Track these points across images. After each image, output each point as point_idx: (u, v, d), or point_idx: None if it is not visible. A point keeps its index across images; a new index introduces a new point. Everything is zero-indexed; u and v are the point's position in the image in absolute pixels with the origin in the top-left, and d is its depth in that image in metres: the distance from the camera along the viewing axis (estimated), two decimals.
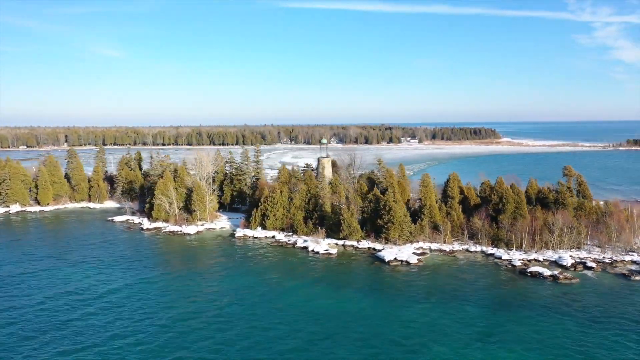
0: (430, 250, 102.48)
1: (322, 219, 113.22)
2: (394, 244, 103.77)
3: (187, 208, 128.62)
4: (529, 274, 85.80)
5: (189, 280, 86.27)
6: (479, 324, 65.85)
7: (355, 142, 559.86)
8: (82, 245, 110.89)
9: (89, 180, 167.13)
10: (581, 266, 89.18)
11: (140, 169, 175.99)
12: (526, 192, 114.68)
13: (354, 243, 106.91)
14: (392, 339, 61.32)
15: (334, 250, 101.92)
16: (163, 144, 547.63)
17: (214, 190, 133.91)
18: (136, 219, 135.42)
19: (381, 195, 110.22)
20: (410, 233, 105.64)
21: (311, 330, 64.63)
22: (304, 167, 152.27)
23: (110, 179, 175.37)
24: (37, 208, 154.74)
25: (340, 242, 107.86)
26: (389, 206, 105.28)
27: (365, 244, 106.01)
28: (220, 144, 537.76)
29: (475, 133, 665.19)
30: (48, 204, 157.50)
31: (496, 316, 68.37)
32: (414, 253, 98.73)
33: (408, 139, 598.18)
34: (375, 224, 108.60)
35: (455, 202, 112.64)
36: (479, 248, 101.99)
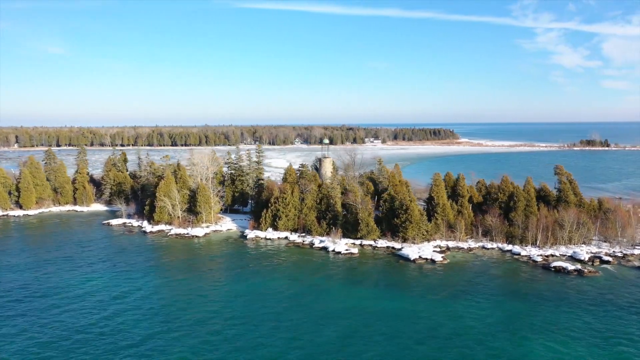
0: (448, 248, 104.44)
1: (336, 219, 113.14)
2: (413, 242, 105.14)
3: (191, 210, 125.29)
4: (552, 269, 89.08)
5: (215, 283, 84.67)
6: (529, 318, 67.78)
7: (320, 142, 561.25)
8: (89, 250, 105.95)
9: (73, 182, 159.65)
10: (598, 260, 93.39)
11: (126, 170, 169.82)
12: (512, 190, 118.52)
13: (371, 242, 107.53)
14: (448, 336, 62.24)
15: (355, 250, 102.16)
16: (122, 145, 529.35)
17: (218, 191, 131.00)
18: (134, 222, 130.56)
19: (396, 195, 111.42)
20: (427, 231, 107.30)
21: (365, 330, 64.65)
22: (300, 167, 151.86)
23: (94, 181, 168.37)
24: (20, 212, 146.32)
25: (357, 242, 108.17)
26: (406, 205, 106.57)
27: (382, 243, 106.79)
28: (182, 145, 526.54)
29: (435, 134, 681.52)
30: (31, 207, 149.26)
31: (543, 310, 70.53)
32: (434, 251, 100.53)
33: (371, 139, 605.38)
34: (390, 223, 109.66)
35: (466, 201, 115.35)
36: (494, 245, 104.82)
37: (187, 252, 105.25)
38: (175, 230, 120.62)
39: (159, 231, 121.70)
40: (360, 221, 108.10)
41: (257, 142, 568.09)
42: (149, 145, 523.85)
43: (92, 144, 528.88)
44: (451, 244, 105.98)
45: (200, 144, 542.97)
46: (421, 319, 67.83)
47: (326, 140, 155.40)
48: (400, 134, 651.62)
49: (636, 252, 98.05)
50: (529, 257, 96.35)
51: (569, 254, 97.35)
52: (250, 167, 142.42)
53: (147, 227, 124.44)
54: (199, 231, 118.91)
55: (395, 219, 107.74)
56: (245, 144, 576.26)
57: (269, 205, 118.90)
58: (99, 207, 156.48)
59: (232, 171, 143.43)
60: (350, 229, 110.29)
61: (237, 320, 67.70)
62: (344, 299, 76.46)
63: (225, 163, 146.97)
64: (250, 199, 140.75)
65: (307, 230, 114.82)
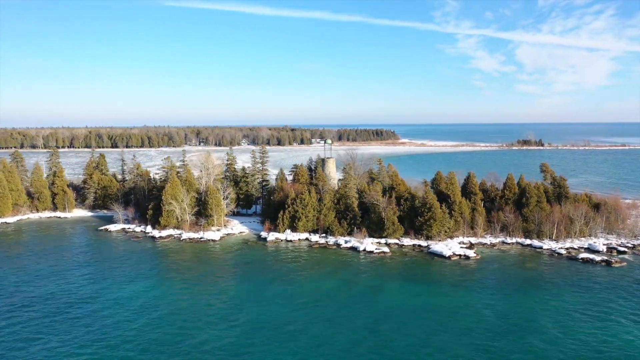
0: (471, 244, 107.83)
1: (356, 219, 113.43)
2: (437, 240, 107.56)
3: (201, 213, 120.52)
4: (580, 260, 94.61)
5: (260, 287, 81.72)
6: (583, 307, 71.53)
7: (268, 143, 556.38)
8: (107, 260, 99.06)
9: (51, 187, 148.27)
10: (614, 251, 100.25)
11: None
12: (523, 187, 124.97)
13: (396, 241, 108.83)
14: (508, 328, 64.71)
15: (386, 249, 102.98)
16: (57, 147, 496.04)
17: (228, 193, 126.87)
18: (136, 228, 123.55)
19: (416, 194, 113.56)
20: (448, 229, 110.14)
21: (442, 326, 65.77)
22: (292, 168, 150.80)
23: (71, 185, 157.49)
24: None
25: (382, 241, 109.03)
26: (430, 204, 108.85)
27: (407, 241, 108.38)
28: (124, 147, 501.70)
29: (377, 134, 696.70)
30: (7, 215, 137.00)
31: (593, 299, 74.71)
32: (461, 247, 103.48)
33: (318, 140, 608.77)
34: (412, 221, 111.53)
35: (478, 198, 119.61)
36: (513, 240, 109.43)
37: (211, 257, 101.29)
38: (187, 234, 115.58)
39: (168, 236, 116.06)
40: (386, 220, 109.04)
41: (202, 144, 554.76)
42: (86, 146, 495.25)
43: (22, 146, 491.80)
44: (473, 240, 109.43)
45: (143, 145, 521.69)
46: (491, 314, 69.74)
47: (329, 141, 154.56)
48: (344, 135, 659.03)
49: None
50: (553, 251, 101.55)
51: (585, 246, 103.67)
52: (255, 169, 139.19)
53: (154, 232, 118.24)
54: (213, 235, 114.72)
55: (419, 217, 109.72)
56: (190, 145, 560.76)
57: (286, 206, 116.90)
58: (82, 212, 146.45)
59: (235, 173, 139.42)
60: (374, 228, 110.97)
61: (330, 324, 66.33)
62: (405, 297, 76.89)
63: (226, 164, 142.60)
64: (256, 201, 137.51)
65: (327, 231, 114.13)
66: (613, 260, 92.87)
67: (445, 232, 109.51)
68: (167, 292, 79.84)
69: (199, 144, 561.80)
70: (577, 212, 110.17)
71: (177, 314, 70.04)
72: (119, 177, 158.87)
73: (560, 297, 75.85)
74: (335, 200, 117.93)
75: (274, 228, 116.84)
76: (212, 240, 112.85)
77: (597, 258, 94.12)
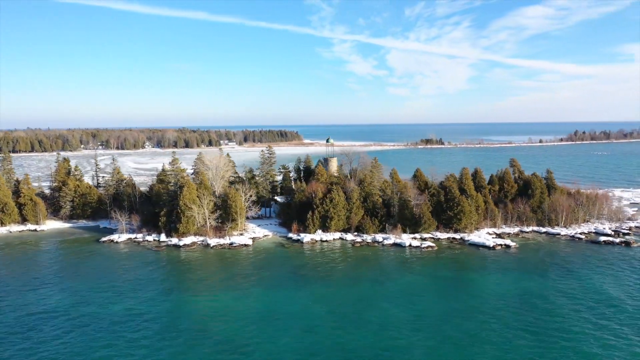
0: (496, 234, 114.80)
1: (388, 216, 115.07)
2: (465, 232, 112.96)
3: (222, 218, 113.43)
4: (602, 243, 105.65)
5: (354, 288, 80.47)
6: None
7: (175, 145, 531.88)
8: (154, 275, 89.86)
9: (17, 197, 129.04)
10: (620, 233, 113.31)
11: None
12: (527, 180, 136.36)
13: (431, 235, 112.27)
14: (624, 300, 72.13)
15: (431, 243, 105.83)
16: None
17: (250, 196, 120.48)
18: (147, 237, 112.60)
19: (441, 190, 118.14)
20: (474, 221, 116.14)
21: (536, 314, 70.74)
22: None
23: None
24: None
25: (417, 236, 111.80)
26: (458, 199, 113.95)
27: (442, 235, 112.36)
28: (10, 152, 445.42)
29: (282, 135, 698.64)
30: None
31: None
32: (493, 237, 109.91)
33: (226, 141, 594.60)
34: (439, 215, 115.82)
35: (487, 191, 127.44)
36: (529, 229, 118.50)
37: (260, 262, 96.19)
38: (213, 241, 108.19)
39: (192, 244, 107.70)
40: (421, 215, 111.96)
41: (103, 146, 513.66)
42: None
43: None
44: (497, 230, 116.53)
45: (33, 150, 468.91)
46: (594, 291, 75.99)
47: (331, 141, 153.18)
48: (250, 136, 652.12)
49: (631, 225, 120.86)
50: (571, 236, 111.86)
51: (593, 231, 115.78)
52: (264, 169, 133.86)
53: (173, 240, 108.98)
54: (243, 239, 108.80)
55: (449, 212, 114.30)
56: (86, 148, 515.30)
57: (314, 206, 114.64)
58: (57, 224, 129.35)
59: (245, 174, 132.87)
60: (407, 224, 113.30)
61: (453, 318, 67.28)
62: (502, 286, 79.93)
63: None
64: (266, 203, 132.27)
65: (361, 229, 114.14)
66: (632, 241, 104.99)
67: (472, 224, 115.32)
68: (265, 299, 74.95)
69: (99, 147, 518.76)
70: (579, 201, 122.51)
71: (312, 318, 66.36)
72: (87, 182, 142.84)
73: (622, 274, 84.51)
74: (362, 199, 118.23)
75: (304, 229, 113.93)
76: (244, 245, 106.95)
77: (617, 240, 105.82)
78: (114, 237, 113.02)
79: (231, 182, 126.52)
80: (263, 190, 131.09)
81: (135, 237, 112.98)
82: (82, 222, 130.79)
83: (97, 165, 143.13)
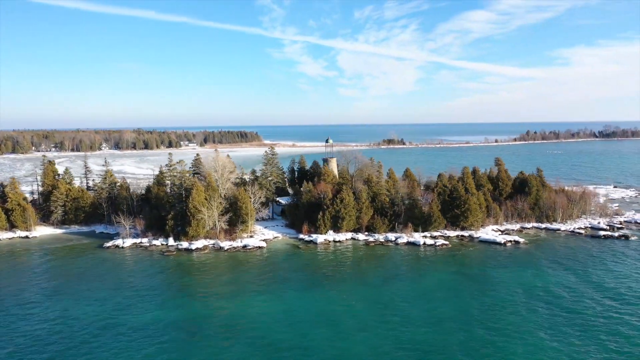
0: (501, 230, 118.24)
1: (398, 215, 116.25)
2: (475, 229, 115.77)
3: (232, 220, 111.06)
4: (602, 237, 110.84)
5: (385, 288, 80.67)
6: None
7: (134, 147, 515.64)
8: (177, 282, 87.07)
9: (4, 202, 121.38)
10: (615, 228, 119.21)
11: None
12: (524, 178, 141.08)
13: (440, 233, 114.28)
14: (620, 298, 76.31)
15: (444, 241, 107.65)
16: None
17: (259, 198, 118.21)
18: (153, 241, 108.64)
19: (447, 189, 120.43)
20: (480, 218, 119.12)
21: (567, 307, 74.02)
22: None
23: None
24: None
25: (427, 234, 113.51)
26: (465, 197, 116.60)
27: (451, 232, 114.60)
28: None
29: (242, 136, 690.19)
30: None
31: None
32: (499, 234, 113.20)
33: (186, 142, 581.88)
34: (445, 214, 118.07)
35: (486, 189, 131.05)
36: (530, 225, 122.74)
37: (280, 264, 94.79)
38: (226, 243, 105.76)
39: (204, 247, 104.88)
40: (431, 214, 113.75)
41: (57, 149, 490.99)
42: None
43: None
44: (501, 227, 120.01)
45: None
46: (615, 283, 79.77)
47: (330, 141, 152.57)
48: (210, 137, 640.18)
49: (620, 219, 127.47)
50: (571, 231, 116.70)
51: (589, 226, 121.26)
52: (267, 170, 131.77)
53: (183, 244, 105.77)
54: (257, 242, 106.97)
55: (456, 210, 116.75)
56: (38, 150, 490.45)
57: (324, 207, 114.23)
58: (49, 230, 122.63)
59: (249, 175, 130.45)
60: (417, 222, 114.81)
61: (505, 316, 68.93)
62: (523, 282, 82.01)
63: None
64: (271, 204, 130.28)
65: (370, 229, 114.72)
66: (629, 234, 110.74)
67: (477, 222, 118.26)
68: (298, 302, 74.03)
69: (52, 148, 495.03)
70: (572, 198, 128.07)
71: (361, 318, 66.12)
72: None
73: (630, 266, 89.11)
74: (370, 199, 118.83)
75: (316, 230, 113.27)
76: (258, 247, 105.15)
77: (616, 234, 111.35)
78: (118, 242, 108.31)
79: (235, 184, 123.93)
80: (268, 191, 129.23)
81: (141, 242, 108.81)
82: (75, 228, 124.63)
83: (86, 168, 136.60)
